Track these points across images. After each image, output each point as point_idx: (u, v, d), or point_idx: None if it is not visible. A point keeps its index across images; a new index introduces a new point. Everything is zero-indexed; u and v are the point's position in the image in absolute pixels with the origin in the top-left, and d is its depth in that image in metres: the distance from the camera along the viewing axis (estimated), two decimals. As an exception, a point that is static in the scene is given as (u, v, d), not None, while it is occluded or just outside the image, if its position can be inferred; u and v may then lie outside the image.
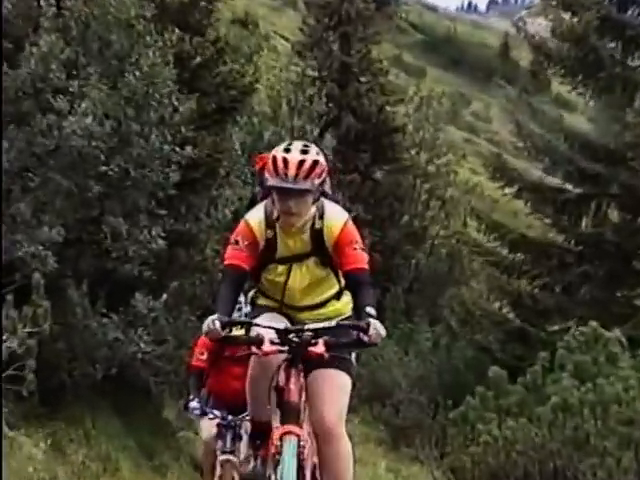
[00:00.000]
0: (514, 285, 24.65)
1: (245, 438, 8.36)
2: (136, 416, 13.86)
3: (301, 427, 5.76)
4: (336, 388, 5.96)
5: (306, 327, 5.83)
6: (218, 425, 8.96)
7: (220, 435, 8.96)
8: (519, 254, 24.56)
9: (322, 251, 6.07)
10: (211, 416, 8.89)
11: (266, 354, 5.72)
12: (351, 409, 7.78)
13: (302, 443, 5.64)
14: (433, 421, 16.75)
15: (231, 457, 8.73)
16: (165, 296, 13.37)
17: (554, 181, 24.83)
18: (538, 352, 13.93)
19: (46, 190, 11.82)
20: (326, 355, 5.67)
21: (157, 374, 13.79)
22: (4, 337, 8.62)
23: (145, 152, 12.57)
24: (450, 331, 23.29)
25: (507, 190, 25.32)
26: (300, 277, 6.15)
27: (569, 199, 24.39)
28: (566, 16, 25.35)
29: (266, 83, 26.07)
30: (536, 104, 26.34)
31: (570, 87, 25.59)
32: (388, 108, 33.94)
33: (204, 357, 8.94)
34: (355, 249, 5.99)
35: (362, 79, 35.49)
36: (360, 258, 6.00)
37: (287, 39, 51.35)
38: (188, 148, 13.28)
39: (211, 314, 5.95)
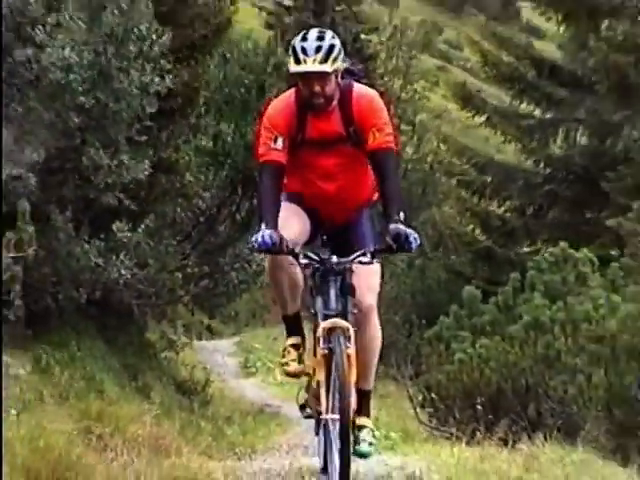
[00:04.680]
0: (483, 207, 24.74)
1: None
2: (120, 338, 13.84)
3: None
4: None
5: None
6: (314, 273, 5.83)
7: (319, 289, 5.83)
8: (489, 177, 24.59)
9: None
10: (304, 260, 5.77)
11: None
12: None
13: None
14: (408, 340, 16.78)
15: (341, 322, 5.68)
16: (147, 222, 13.32)
17: (523, 107, 24.81)
18: (507, 273, 13.95)
19: (28, 120, 11.72)
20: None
21: (139, 297, 13.77)
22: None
23: (124, 85, 12.48)
24: (423, 253, 23.22)
25: (477, 118, 25.40)
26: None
27: (536, 124, 24.42)
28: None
29: (242, 16, 25.82)
30: (505, 32, 26.21)
31: (539, 13, 25.62)
32: (363, 36, 33.84)
33: (279, 145, 5.82)
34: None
35: (337, 8, 35.35)
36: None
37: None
38: (167, 78, 13.18)
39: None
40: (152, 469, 6.63)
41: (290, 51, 5.82)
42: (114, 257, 12.72)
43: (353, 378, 5.69)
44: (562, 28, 25.27)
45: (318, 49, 5.72)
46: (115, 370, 12.83)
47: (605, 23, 24.27)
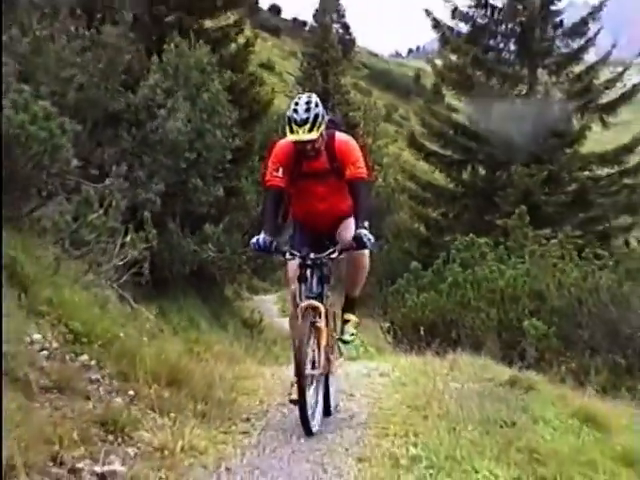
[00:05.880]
0: (424, 213, 24.72)
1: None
2: (209, 295, 13.91)
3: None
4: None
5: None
6: (300, 266, 5.09)
7: (303, 277, 5.08)
8: (428, 194, 24.59)
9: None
10: (289, 256, 5.10)
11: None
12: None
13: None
14: (379, 293, 16.71)
15: (315, 302, 4.96)
16: (223, 224, 13.34)
17: (447, 152, 24.79)
18: (439, 252, 13.91)
19: (155, 164, 11.71)
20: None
21: (220, 269, 13.83)
22: (129, 250, 8.45)
23: (212, 142, 12.50)
24: (388, 241, 23.19)
25: (418, 156, 25.50)
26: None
27: (454, 162, 24.42)
28: (453, 57, 25.19)
29: (279, 101, 25.83)
30: (435, 109, 26.11)
31: (456, 97, 25.68)
32: (350, 113, 33.85)
33: (280, 174, 5.13)
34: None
35: (335, 97, 35.45)
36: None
37: (291, 74, 50.99)
38: (236, 139, 13.25)
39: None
40: (228, 371, 6.63)
41: (286, 120, 5.04)
42: (204, 246, 12.76)
43: (323, 343, 4.96)
44: (469, 107, 25.30)
45: (306, 120, 4.93)
46: (206, 314, 12.86)
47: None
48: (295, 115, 4.95)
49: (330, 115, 5.35)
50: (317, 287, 5.00)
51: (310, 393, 4.89)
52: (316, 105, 5.02)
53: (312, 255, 5.02)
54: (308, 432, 4.91)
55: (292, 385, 4.94)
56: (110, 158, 10.89)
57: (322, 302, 4.99)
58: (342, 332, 5.45)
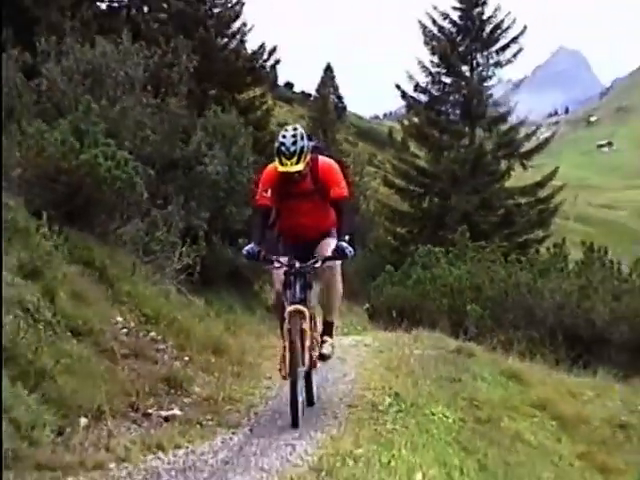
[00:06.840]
0: (395, 230, 24.64)
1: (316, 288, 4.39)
2: (242, 289, 13.78)
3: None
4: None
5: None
6: (286, 273, 4.18)
7: (288, 284, 4.17)
8: (397, 217, 24.59)
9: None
10: (277, 264, 4.23)
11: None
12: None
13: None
14: (364, 288, 16.62)
15: (300, 307, 4.10)
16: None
17: (411, 187, 24.72)
18: (406, 258, 13.84)
19: (202, 196, 11.68)
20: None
21: (251, 270, 13.70)
22: (185, 257, 8.41)
23: (241, 179, 12.46)
24: (370, 250, 23.11)
25: (391, 190, 25.47)
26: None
27: (416, 194, 24.39)
28: (415, 118, 25.21)
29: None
30: (403, 156, 26.07)
31: (418, 148, 25.61)
32: (343, 159, 33.75)
33: (268, 194, 4.25)
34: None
35: (332, 148, 35.40)
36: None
37: (300, 131, 51.03)
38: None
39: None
40: (256, 343, 6.60)
41: (275, 151, 4.18)
42: (239, 253, 12.68)
43: (307, 344, 4.15)
44: (428, 154, 25.18)
45: (293, 153, 4.10)
46: (240, 303, 12.73)
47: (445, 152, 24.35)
48: (283, 148, 4.14)
49: (315, 142, 4.54)
50: (301, 293, 4.15)
51: (299, 389, 4.08)
52: (302, 137, 4.19)
53: (297, 264, 4.20)
54: (295, 424, 4.03)
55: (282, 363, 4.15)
56: (171, 192, 10.89)
57: (306, 306, 4.15)
58: (321, 348, 4.47)
